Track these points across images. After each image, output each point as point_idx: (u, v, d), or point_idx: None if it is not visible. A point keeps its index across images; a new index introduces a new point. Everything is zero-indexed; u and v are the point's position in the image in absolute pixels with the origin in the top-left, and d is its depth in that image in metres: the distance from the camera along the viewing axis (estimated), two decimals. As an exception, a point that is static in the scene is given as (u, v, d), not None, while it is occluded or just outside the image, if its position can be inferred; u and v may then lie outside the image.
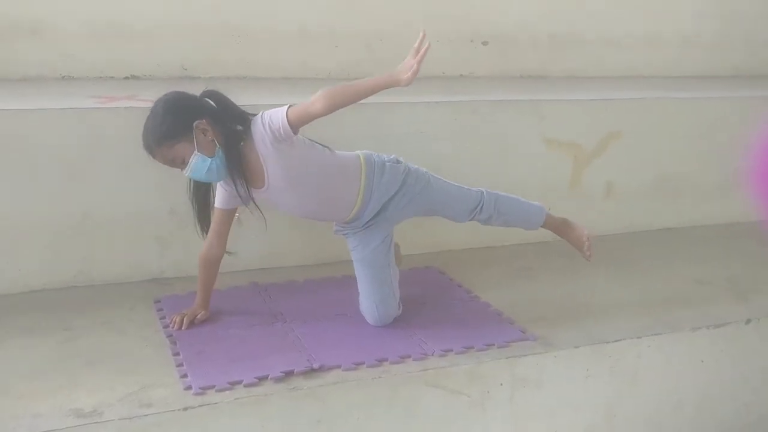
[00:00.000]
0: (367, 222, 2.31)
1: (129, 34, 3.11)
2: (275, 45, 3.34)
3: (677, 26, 4.10)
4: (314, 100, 2.05)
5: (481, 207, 2.43)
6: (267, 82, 3.21)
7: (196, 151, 2.08)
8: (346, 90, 2.07)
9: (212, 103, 2.15)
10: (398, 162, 2.35)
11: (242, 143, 2.14)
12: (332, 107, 2.05)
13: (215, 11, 3.24)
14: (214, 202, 2.27)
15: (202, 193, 2.25)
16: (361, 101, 2.10)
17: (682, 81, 3.97)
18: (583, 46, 3.90)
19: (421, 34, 2.06)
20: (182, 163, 2.09)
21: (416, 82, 3.38)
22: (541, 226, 2.54)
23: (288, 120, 2.08)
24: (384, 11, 3.48)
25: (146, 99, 2.60)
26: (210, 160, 2.09)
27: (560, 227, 2.54)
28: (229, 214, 2.29)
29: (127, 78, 3.14)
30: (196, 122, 2.08)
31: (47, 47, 3.03)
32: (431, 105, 2.94)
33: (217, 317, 2.32)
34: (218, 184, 2.25)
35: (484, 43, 3.71)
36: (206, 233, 2.29)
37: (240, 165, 2.14)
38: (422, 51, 2.04)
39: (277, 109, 2.12)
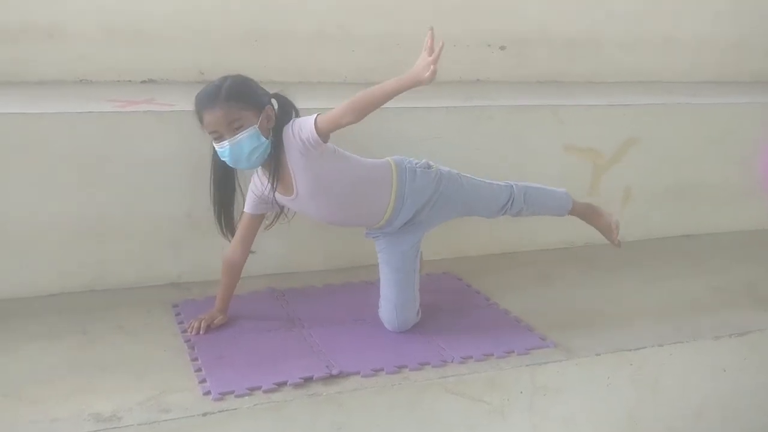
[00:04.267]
0: (402, 226, 2.30)
1: (146, 38, 3.11)
2: (292, 49, 3.33)
3: (695, 31, 4.06)
4: (343, 113, 2.07)
5: (512, 201, 2.42)
6: (283, 86, 3.19)
7: (256, 126, 2.09)
8: (372, 97, 2.06)
9: (277, 104, 2.18)
10: (429, 167, 2.33)
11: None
12: (361, 116, 2.07)
13: (232, 15, 3.23)
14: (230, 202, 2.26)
15: (227, 192, 2.24)
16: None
17: (701, 86, 3.94)
18: (601, 50, 3.87)
19: (429, 32, 2.04)
20: (234, 130, 2.07)
21: (433, 86, 3.39)
22: (569, 213, 2.53)
23: (317, 129, 2.09)
24: (400, 15, 3.46)
25: (164, 103, 2.61)
26: (265, 140, 2.11)
27: (587, 213, 2.55)
28: (257, 220, 2.29)
29: (144, 81, 3.13)
30: (269, 106, 2.13)
31: (65, 50, 3.02)
32: (449, 110, 2.93)
33: (235, 322, 2.31)
34: (249, 188, 2.25)
35: (502, 48, 3.69)
36: (227, 229, 2.28)
37: (279, 163, 2.15)
38: (437, 49, 2.02)
39: (305, 117, 2.14)
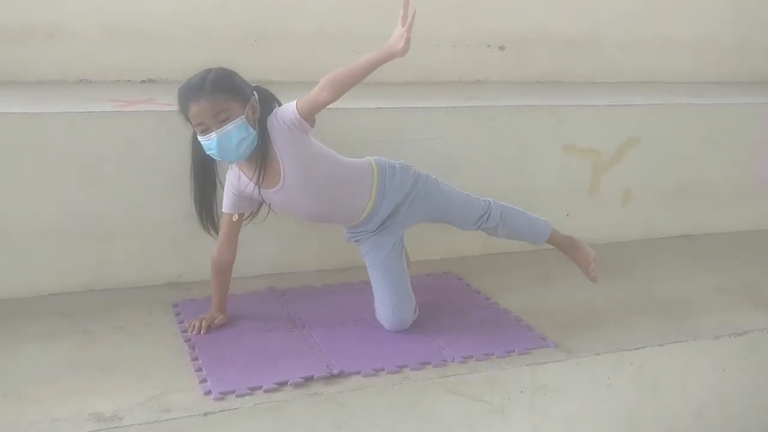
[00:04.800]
0: (379, 225, 2.31)
1: (146, 38, 3.11)
2: (292, 49, 3.34)
3: (695, 31, 4.07)
4: (320, 90, 2.08)
5: (488, 216, 2.43)
6: (282, 86, 3.20)
7: (243, 117, 2.08)
8: (348, 73, 2.07)
9: (258, 97, 2.17)
10: (408, 166, 2.36)
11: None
12: (339, 93, 2.08)
13: (232, 15, 3.24)
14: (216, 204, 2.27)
15: (207, 185, 2.23)
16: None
17: (701, 86, 3.94)
18: (601, 50, 3.88)
19: (404, 2, 2.05)
20: (221, 121, 2.05)
21: (433, 86, 3.41)
22: (546, 242, 2.53)
23: (299, 111, 2.11)
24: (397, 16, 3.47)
25: (164, 103, 2.61)
26: (252, 130, 2.10)
27: (566, 245, 2.52)
28: (237, 219, 2.28)
29: (144, 81, 3.14)
30: (253, 97, 2.13)
31: (65, 50, 3.03)
32: (449, 110, 2.93)
33: (235, 322, 2.31)
34: (226, 187, 2.25)
35: (501, 48, 3.69)
36: (209, 224, 2.27)
37: (265, 153, 2.14)
38: (410, 18, 2.03)
39: (286, 104, 2.16)
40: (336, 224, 2.40)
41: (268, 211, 2.33)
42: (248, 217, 2.31)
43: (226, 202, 2.26)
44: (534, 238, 2.53)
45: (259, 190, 2.18)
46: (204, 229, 2.29)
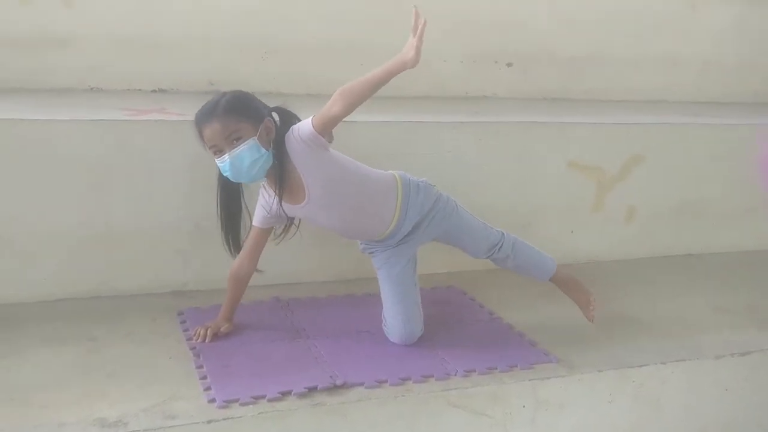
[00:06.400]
0: (400, 240, 2.32)
1: (157, 48, 3.14)
2: (300, 60, 3.37)
3: (699, 52, 4.10)
4: (332, 103, 2.08)
5: (501, 246, 2.44)
6: (292, 98, 3.22)
7: (255, 138, 2.09)
8: (361, 86, 2.07)
9: (277, 117, 2.19)
10: (431, 185, 2.39)
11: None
12: (352, 106, 2.08)
13: (242, 26, 3.27)
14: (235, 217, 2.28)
15: (233, 212, 2.26)
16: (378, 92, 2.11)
17: (704, 106, 3.97)
18: (607, 69, 3.91)
19: (413, 11, 2.05)
20: (233, 142, 2.07)
21: (440, 102, 3.44)
22: (549, 279, 2.53)
23: (314, 127, 2.12)
24: (408, 29, 3.49)
25: (175, 113, 2.63)
26: (265, 152, 2.10)
27: (567, 284, 2.52)
28: (265, 234, 2.31)
29: (154, 91, 3.16)
30: (268, 118, 2.13)
31: (76, 59, 3.06)
32: (455, 125, 2.95)
33: (240, 331, 2.32)
34: (258, 202, 2.27)
35: (508, 65, 3.72)
36: (234, 248, 2.30)
37: (283, 173, 2.15)
38: (420, 28, 2.03)
39: (302, 121, 2.17)
40: (363, 239, 2.40)
41: (298, 227, 2.35)
42: (281, 233, 2.33)
43: (257, 217, 2.29)
44: (539, 274, 2.53)
45: (281, 206, 2.19)
46: (231, 254, 2.31)
